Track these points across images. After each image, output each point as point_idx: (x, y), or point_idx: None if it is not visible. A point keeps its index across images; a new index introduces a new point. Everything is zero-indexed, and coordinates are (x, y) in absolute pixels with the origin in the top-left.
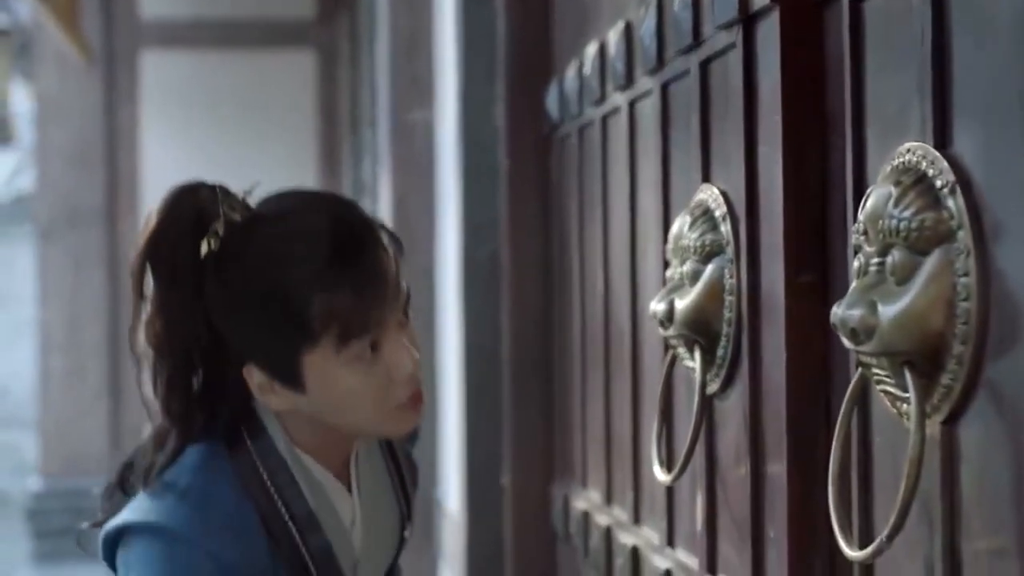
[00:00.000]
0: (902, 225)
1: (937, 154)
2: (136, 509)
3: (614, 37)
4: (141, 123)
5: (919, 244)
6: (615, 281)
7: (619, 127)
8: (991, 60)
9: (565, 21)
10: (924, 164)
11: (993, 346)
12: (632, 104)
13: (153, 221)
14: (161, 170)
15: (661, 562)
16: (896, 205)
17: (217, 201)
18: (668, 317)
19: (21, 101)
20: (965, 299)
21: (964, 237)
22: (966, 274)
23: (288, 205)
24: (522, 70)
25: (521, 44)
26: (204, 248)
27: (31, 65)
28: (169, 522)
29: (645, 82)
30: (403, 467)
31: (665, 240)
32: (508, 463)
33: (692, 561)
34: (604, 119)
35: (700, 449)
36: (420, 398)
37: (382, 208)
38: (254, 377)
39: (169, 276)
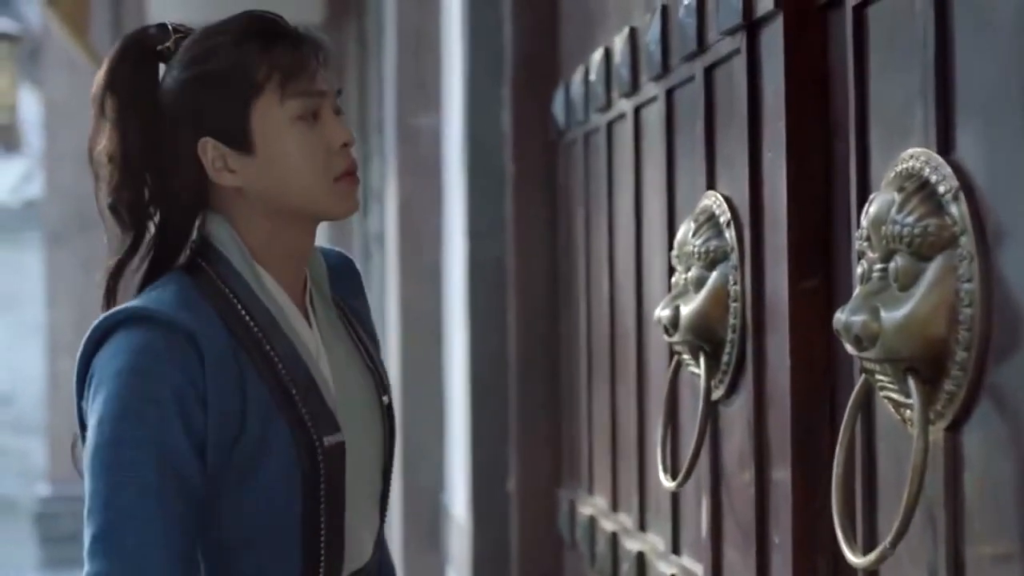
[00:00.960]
0: (905, 231)
1: (940, 160)
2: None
3: (620, 44)
4: None
5: (922, 250)
6: (620, 287)
7: (624, 133)
8: (994, 66)
9: (571, 28)
10: (927, 170)
11: (996, 352)
12: (637, 110)
13: (110, 55)
14: None
15: (666, 568)
16: (899, 211)
17: (167, 31)
18: (673, 323)
19: (30, 107)
20: (968, 305)
21: (967, 243)
22: (969, 280)
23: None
24: (528, 76)
25: (527, 50)
26: (159, 59)
27: (40, 71)
28: (135, 305)
29: (650, 88)
30: (362, 335)
31: (670, 246)
32: (514, 468)
33: (697, 567)
34: (610, 125)
35: (705, 455)
36: (356, 177)
37: (389, 211)
38: (208, 152)
39: (127, 96)
